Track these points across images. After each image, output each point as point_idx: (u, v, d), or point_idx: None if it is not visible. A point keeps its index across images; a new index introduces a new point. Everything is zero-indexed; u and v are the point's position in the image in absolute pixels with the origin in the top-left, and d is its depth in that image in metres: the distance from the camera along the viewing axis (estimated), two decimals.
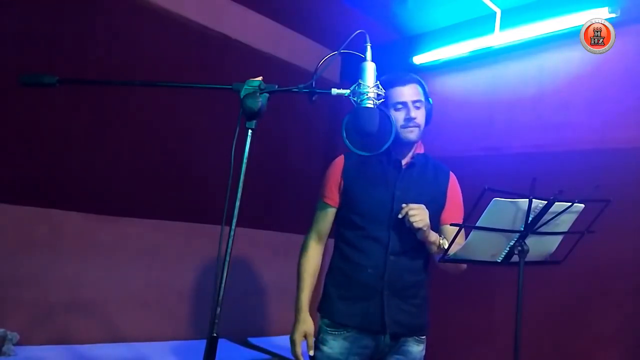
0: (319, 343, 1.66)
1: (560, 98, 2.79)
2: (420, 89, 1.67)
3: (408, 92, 1.63)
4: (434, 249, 1.57)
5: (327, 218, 1.71)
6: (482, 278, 2.75)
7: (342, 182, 1.67)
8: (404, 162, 1.67)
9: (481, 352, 2.86)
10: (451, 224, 1.53)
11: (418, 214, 1.50)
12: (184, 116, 3.08)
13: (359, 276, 1.60)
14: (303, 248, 1.74)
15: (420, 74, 1.75)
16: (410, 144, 1.66)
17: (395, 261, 1.57)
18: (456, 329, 2.93)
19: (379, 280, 1.57)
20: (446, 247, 1.52)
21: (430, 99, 1.71)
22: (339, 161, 1.71)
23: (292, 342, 1.63)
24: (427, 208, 1.61)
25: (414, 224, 1.49)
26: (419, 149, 1.72)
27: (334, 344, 1.61)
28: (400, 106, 1.62)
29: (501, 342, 2.67)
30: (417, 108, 1.64)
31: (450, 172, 1.75)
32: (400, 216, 1.52)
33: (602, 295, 2.44)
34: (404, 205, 1.53)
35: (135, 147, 2.88)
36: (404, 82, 1.63)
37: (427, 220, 1.51)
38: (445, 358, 2.88)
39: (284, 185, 3.62)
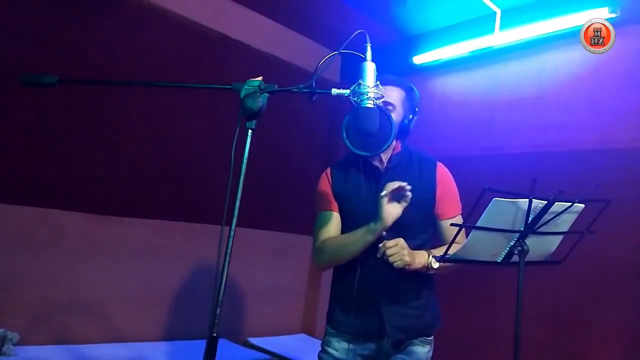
0: (324, 344, 1.66)
1: (560, 98, 2.79)
2: (402, 95, 1.61)
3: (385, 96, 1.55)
4: (424, 270, 1.52)
5: (334, 224, 1.64)
6: (483, 278, 2.76)
7: (334, 192, 1.65)
8: (382, 167, 1.62)
9: (483, 353, 2.86)
10: (451, 224, 1.45)
11: (396, 254, 1.44)
12: (184, 116, 3.08)
13: (356, 287, 1.57)
14: (316, 249, 1.65)
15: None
16: None
17: (390, 268, 1.51)
18: (457, 329, 2.92)
19: (375, 290, 1.56)
20: (435, 267, 1.49)
21: (417, 108, 1.63)
22: (326, 174, 1.69)
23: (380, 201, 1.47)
24: (416, 209, 1.54)
25: (394, 264, 1.44)
26: (396, 149, 1.65)
27: (338, 346, 1.60)
28: None
29: (502, 342, 2.67)
30: (390, 112, 1.56)
31: (438, 163, 1.66)
32: (378, 256, 1.47)
33: (602, 295, 2.44)
34: (380, 245, 1.46)
35: (136, 147, 2.88)
36: (383, 83, 1.52)
37: (406, 258, 1.44)
38: (447, 358, 2.88)
39: (284, 185, 3.62)
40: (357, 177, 1.62)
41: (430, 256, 1.51)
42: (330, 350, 1.61)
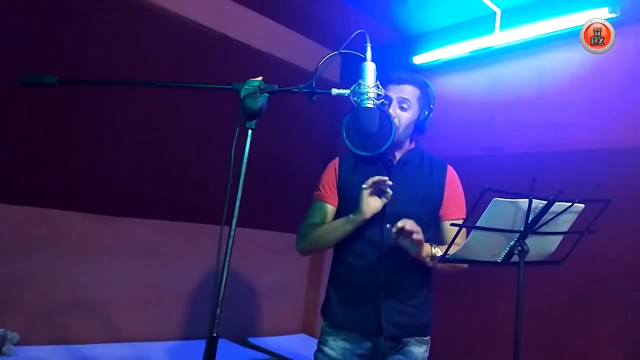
0: (320, 344, 1.65)
1: (560, 98, 2.79)
2: (417, 92, 1.62)
3: (397, 91, 1.59)
4: (428, 260, 1.50)
5: (324, 215, 1.66)
6: (483, 278, 2.76)
7: (338, 183, 1.66)
8: (395, 161, 1.64)
9: (482, 353, 2.86)
10: (451, 224, 1.45)
11: (415, 227, 1.39)
12: (184, 116, 3.08)
13: (355, 279, 1.59)
14: (299, 234, 1.66)
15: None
16: (394, 144, 1.56)
17: (391, 262, 1.54)
18: (457, 330, 2.93)
19: (374, 282, 1.56)
20: (439, 255, 1.47)
21: (432, 105, 1.65)
22: (334, 163, 1.71)
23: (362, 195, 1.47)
24: (422, 206, 1.58)
25: (413, 235, 1.38)
26: (410, 146, 1.68)
27: (334, 345, 1.60)
28: (386, 102, 1.57)
29: (502, 342, 2.67)
30: (402, 109, 1.59)
31: (448, 166, 1.69)
32: (394, 230, 1.40)
33: (602, 295, 2.44)
34: (398, 223, 1.40)
35: (136, 147, 2.88)
36: (397, 81, 1.60)
37: (421, 236, 1.41)
38: (445, 358, 2.88)
39: (284, 185, 3.62)
40: (367, 169, 1.63)
41: (434, 247, 1.51)
42: (326, 349, 1.61)
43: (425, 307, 1.63)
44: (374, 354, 1.58)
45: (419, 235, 1.39)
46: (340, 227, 1.54)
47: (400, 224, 1.39)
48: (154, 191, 2.96)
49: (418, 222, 1.55)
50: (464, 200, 1.69)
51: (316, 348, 1.66)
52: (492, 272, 2.49)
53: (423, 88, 1.64)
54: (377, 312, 1.54)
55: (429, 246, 1.51)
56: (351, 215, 1.51)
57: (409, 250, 1.46)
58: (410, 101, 1.60)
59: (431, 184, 1.64)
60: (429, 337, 1.65)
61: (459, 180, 1.69)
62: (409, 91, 1.61)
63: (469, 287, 2.84)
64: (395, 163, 1.63)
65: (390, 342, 1.57)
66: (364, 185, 1.46)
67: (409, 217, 1.51)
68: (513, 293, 1.33)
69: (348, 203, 1.63)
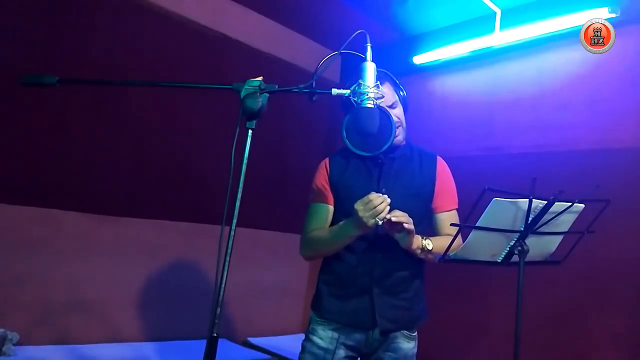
0: (308, 333, 1.64)
1: (560, 98, 2.79)
2: (392, 86, 1.63)
3: (385, 95, 1.57)
4: (418, 252, 1.50)
5: (324, 216, 1.65)
6: (481, 277, 2.76)
7: (330, 182, 1.66)
8: (384, 157, 1.63)
9: (479, 352, 2.86)
10: (451, 224, 1.45)
11: (404, 217, 1.39)
12: (184, 116, 3.08)
13: (348, 274, 1.59)
14: (303, 241, 1.67)
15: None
16: (395, 145, 1.60)
17: (384, 258, 1.55)
18: (454, 329, 2.93)
19: (367, 278, 1.56)
20: (430, 247, 1.47)
21: (402, 91, 1.66)
22: (325, 162, 1.70)
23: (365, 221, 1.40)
24: (414, 201, 1.57)
25: (405, 225, 1.37)
26: (401, 143, 1.67)
27: (323, 334, 1.59)
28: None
29: (498, 341, 2.67)
30: (394, 107, 1.61)
31: (438, 157, 1.69)
32: (385, 220, 1.38)
33: (602, 295, 2.44)
34: (386, 216, 1.39)
35: (135, 147, 2.88)
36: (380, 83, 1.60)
37: (412, 226, 1.40)
38: (441, 357, 2.89)
39: (284, 185, 3.62)
40: (359, 166, 1.63)
41: (424, 238, 1.50)
42: (314, 338, 1.60)
43: (417, 300, 1.63)
44: (362, 347, 1.59)
45: (409, 225, 1.39)
46: (342, 240, 1.53)
47: (387, 216, 1.38)
48: (154, 191, 2.96)
49: (410, 216, 1.56)
50: (456, 191, 1.69)
51: (304, 338, 1.65)
52: (488, 271, 2.49)
53: (390, 78, 1.65)
54: (371, 306, 1.55)
55: (420, 238, 1.51)
56: (352, 232, 1.47)
57: (400, 241, 1.46)
58: (394, 100, 1.62)
59: (422, 177, 1.64)
60: (416, 333, 1.65)
61: (449, 170, 1.70)
62: (389, 90, 1.61)
63: (467, 286, 2.84)
64: (385, 159, 1.63)
65: (380, 336, 1.57)
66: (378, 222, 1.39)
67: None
68: (509, 292, 1.33)
69: (343, 202, 1.62)
